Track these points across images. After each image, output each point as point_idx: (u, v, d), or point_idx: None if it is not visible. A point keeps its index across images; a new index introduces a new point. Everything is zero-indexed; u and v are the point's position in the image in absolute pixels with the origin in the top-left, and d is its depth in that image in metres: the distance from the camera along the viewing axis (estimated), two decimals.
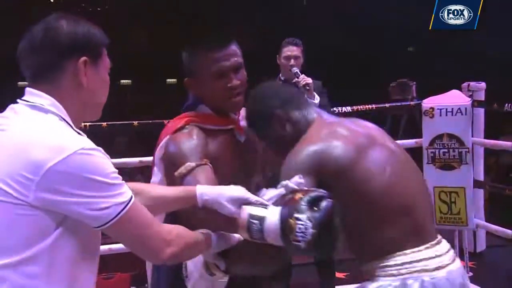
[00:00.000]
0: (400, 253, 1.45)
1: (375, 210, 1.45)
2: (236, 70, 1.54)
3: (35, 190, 1.03)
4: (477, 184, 3.74)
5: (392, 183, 1.47)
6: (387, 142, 1.58)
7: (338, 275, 3.55)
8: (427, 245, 1.48)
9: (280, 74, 3.31)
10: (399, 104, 4.37)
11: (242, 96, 1.58)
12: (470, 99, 3.71)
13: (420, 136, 3.88)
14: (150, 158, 3.51)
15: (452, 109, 3.69)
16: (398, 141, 4.22)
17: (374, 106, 3.83)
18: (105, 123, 3.18)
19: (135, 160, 3.29)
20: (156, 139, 1.57)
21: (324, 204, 1.25)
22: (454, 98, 3.77)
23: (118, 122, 3.40)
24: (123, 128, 3.89)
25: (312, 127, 1.56)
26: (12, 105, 1.14)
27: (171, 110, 1.83)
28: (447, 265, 1.49)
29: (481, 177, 3.91)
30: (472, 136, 3.73)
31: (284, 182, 1.35)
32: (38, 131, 1.07)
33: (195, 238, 1.27)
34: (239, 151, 1.59)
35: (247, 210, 1.31)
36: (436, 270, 1.46)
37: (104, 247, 3.15)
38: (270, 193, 1.35)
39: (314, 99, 3.09)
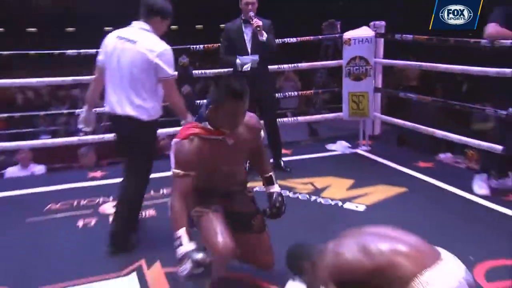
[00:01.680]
0: None
1: None
2: None
3: None
4: (376, 90, 4.80)
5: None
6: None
7: (285, 151, 4.38)
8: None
9: (242, 15, 3.90)
10: (329, 36, 5.53)
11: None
12: (374, 32, 4.68)
13: (341, 58, 4.82)
14: None
15: (362, 39, 4.65)
16: (327, 62, 5.32)
17: (312, 38, 4.91)
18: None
19: None
20: None
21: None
22: (364, 31, 4.72)
23: None
24: None
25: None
26: None
27: None
28: None
29: (379, 85, 4.81)
30: (375, 58, 4.67)
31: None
32: None
33: None
34: (227, 151, 2.04)
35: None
36: None
37: None
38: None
39: (263, 37, 3.76)
